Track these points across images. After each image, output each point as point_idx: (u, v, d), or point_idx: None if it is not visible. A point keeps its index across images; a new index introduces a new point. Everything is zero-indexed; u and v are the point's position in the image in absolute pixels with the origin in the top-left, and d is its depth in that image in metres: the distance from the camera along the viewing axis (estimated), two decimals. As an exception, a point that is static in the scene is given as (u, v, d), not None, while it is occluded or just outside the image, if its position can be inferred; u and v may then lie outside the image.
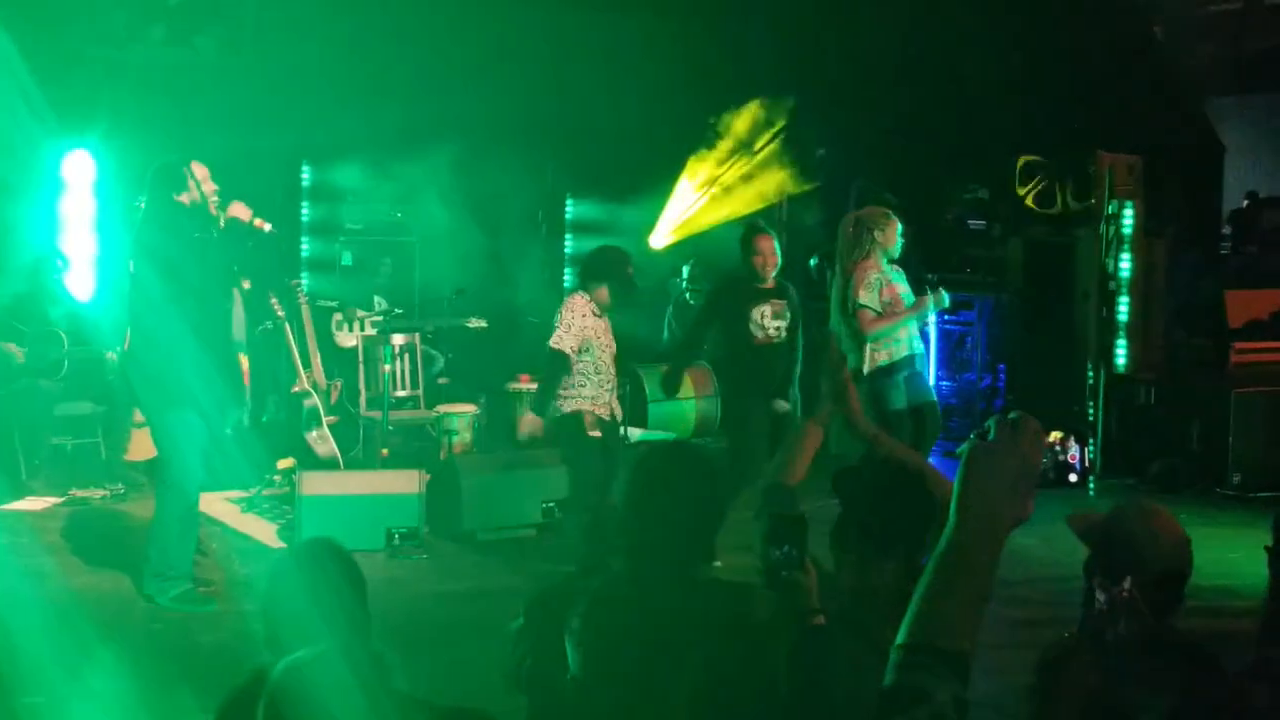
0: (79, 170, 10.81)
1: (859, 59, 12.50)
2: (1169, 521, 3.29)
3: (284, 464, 9.15)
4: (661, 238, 12.69)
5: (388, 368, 9.52)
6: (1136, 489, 10.23)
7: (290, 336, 9.55)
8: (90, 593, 7.07)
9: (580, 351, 7.31)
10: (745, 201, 11.92)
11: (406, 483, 8.19)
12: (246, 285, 9.87)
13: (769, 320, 7.85)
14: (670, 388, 8.86)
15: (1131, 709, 3.03)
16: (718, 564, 7.44)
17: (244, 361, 8.88)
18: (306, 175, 12.63)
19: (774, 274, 7.94)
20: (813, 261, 12.03)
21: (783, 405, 7.91)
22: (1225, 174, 14.53)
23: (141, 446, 9.46)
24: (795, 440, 3.50)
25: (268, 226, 7.01)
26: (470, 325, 10.68)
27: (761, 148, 11.83)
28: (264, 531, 8.44)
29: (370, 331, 10.49)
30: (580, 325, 7.30)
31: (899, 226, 8.15)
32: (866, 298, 7.94)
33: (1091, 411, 10.81)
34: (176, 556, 6.85)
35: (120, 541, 7.92)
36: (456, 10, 12.20)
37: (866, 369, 7.95)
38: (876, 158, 12.56)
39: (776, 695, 2.90)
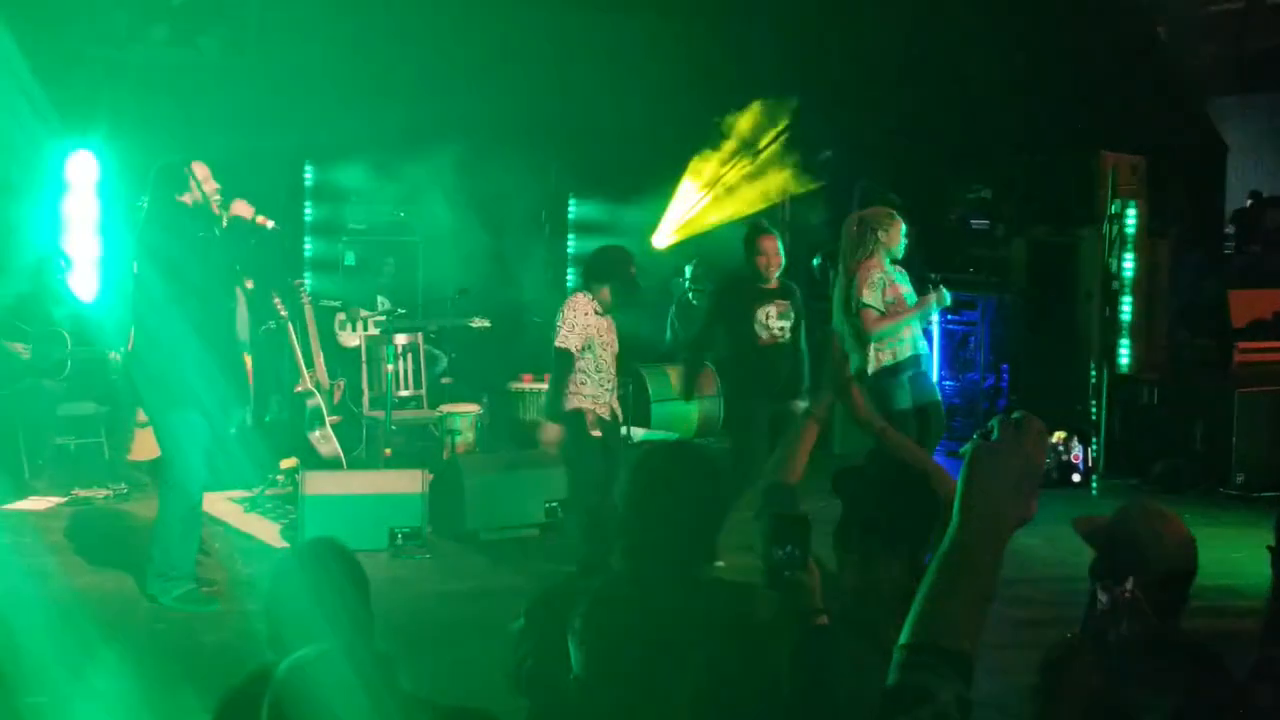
0: (82, 170, 10.81)
1: (862, 59, 12.50)
2: (1173, 522, 3.29)
3: (287, 464, 9.15)
4: (664, 238, 12.69)
5: (391, 367, 9.52)
6: (1140, 489, 10.22)
7: (293, 336, 9.55)
8: (93, 592, 7.08)
9: (582, 350, 7.31)
10: (748, 201, 11.92)
11: (409, 482, 8.19)
12: (250, 285, 9.90)
13: (774, 320, 7.84)
14: (688, 390, 8.86)
15: (1135, 709, 3.02)
16: (721, 564, 7.47)
17: (248, 361, 8.89)
18: (310, 175, 12.63)
19: (777, 274, 7.93)
20: (815, 261, 12.03)
21: (799, 406, 7.91)
22: (1228, 174, 14.52)
23: (144, 446, 9.46)
24: (793, 437, 3.49)
25: (270, 223, 7.01)
26: (473, 325, 10.68)
27: (764, 148, 11.83)
28: (267, 531, 8.44)
29: (373, 331, 10.49)
30: (583, 324, 7.31)
31: (903, 227, 8.13)
32: (870, 297, 7.93)
33: (1095, 411, 10.80)
34: (179, 556, 6.86)
35: (123, 541, 7.92)
36: (460, 10, 12.20)
37: (871, 369, 7.94)
38: (880, 158, 12.56)
39: (779, 695, 2.89)
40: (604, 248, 7.99)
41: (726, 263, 10.35)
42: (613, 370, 7.47)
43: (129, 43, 11.36)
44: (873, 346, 7.97)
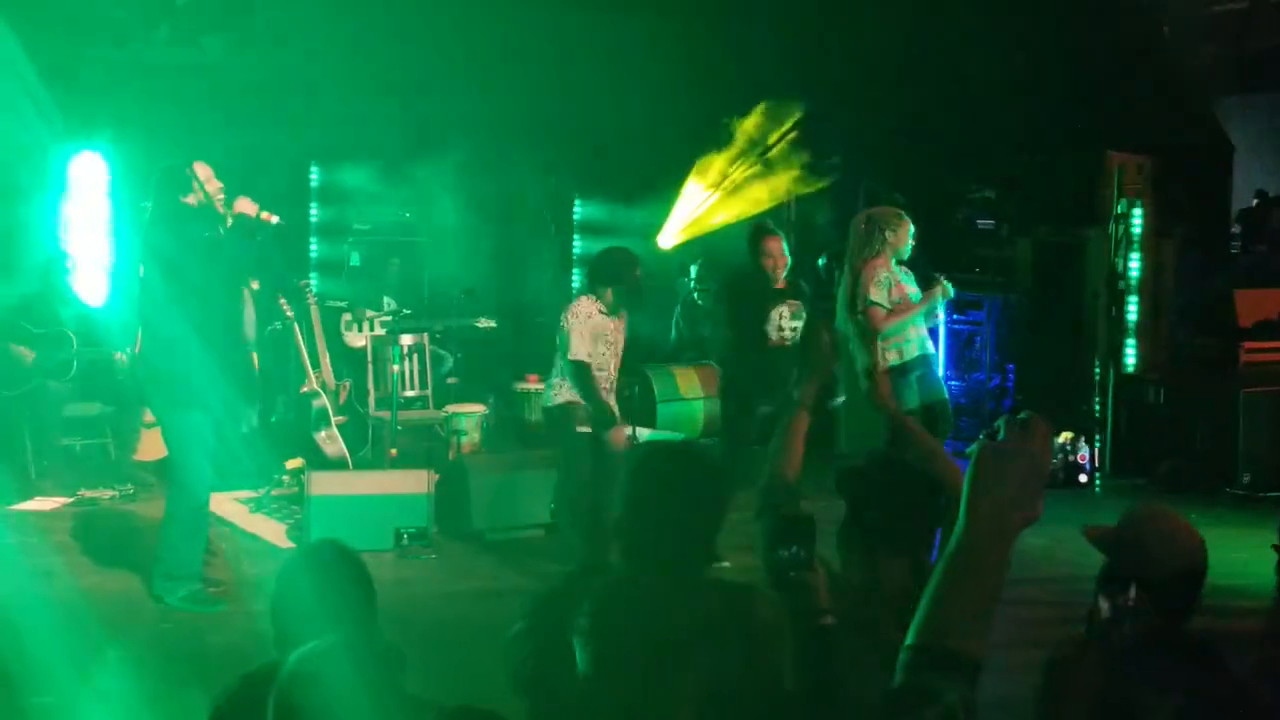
0: (87, 171, 10.82)
1: (866, 59, 12.49)
2: (1180, 523, 3.29)
3: (293, 464, 9.16)
4: (669, 238, 12.69)
5: (396, 368, 9.52)
6: (1145, 489, 10.21)
7: (299, 337, 9.56)
8: (99, 593, 7.09)
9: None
10: (753, 201, 11.90)
11: (415, 483, 8.19)
12: (255, 286, 9.91)
13: (786, 321, 7.84)
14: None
15: (1138, 709, 3.02)
16: (726, 564, 7.47)
17: (255, 360, 8.90)
18: (315, 176, 12.64)
19: (785, 274, 7.93)
20: (821, 261, 12.02)
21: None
22: (1234, 173, 14.52)
23: (150, 447, 9.48)
24: (785, 430, 3.48)
25: (275, 219, 7.00)
26: (479, 325, 10.69)
27: (769, 148, 11.82)
28: (273, 532, 8.45)
29: (379, 332, 10.50)
30: (589, 327, 7.30)
31: (911, 228, 8.12)
32: (876, 295, 7.91)
33: (1098, 409, 10.78)
34: (186, 556, 6.86)
35: (129, 542, 7.93)
36: (464, 11, 12.21)
37: (878, 369, 7.93)
38: (884, 158, 12.55)
39: (783, 696, 2.89)
40: (608, 249, 7.99)
41: (731, 263, 10.35)
42: (612, 370, 7.46)
43: (133, 43, 11.38)
44: (879, 346, 7.96)
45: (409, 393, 10.51)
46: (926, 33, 12.23)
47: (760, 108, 11.69)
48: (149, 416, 8.89)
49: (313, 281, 11.36)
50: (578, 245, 13.99)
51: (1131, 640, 3.17)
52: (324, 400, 9.40)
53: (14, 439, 9.48)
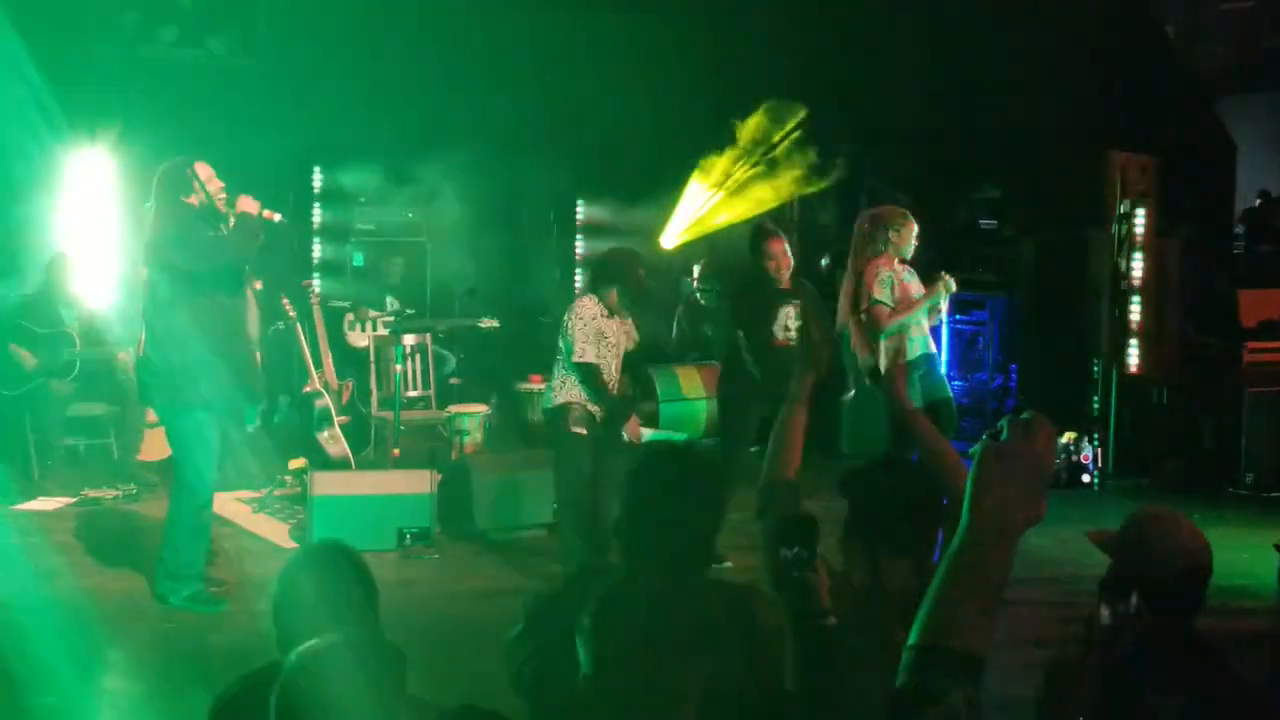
0: (91, 171, 10.82)
1: (869, 59, 12.49)
2: (1183, 522, 3.29)
3: (295, 464, 9.16)
4: (672, 238, 12.69)
5: (399, 368, 9.52)
6: (1148, 489, 10.21)
7: (302, 337, 9.56)
8: (102, 593, 7.09)
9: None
10: (756, 201, 11.90)
11: (418, 483, 8.19)
12: (258, 286, 9.91)
13: (792, 322, 7.83)
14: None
15: (1143, 710, 3.02)
16: (727, 564, 7.47)
17: (259, 359, 8.90)
18: (318, 178, 12.64)
19: (789, 274, 7.92)
20: (825, 261, 12.02)
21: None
22: (1237, 173, 14.51)
23: (154, 446, 9.48)
24: (784, 429, 3.47)
25: (277, 217, 7.01)
26: (482, 325, 10.69)
27: (771, 148, 11.82)
28: (276, 532, 8.45)
29: (382, 332, 10.50)
30: (593, 328, 7.28)
31: (915, 229, 8.11)
32: (880, 294, 7.90)
33: (1097, 407, 10.77)
34: (189, 556, 6.87)
35: (132, 542, 7.94)
36: (466, 12, 12.22)
37: (884, 367, 7.93)
38: (887, 158, 12.56)
39: (783, 697, 2.89)
40: (612, 250, 7.98)
41: (734, 263, 10.34)
42: (615, 370, 7.46)
43: (138, 43, 11.39)
44: (883, 344, 7.95)
45: (411, 393, 10.51)
46: (930, 32, 12.22)
47: (763, 108, 11.70)
48: (152, 416, 8.88)
49: (316, 281, 11.36)
50: (581, 245, 13.99)
51: (1134, 642, 3.17)
52: (327, 400, 9.40)
53: (17, 439, 9.49)
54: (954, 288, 8.10)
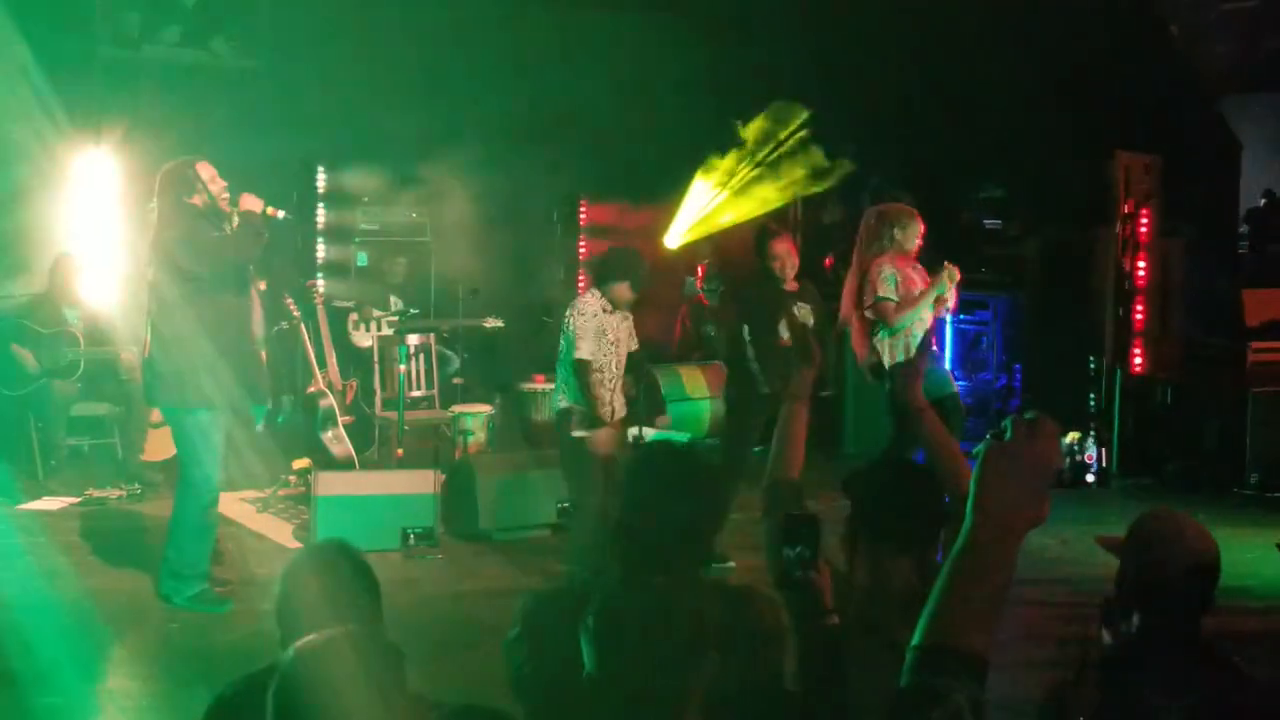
0: (95, 171, 10.83)
1: (874, 59, 12.49)
2: (1190, 522, 3.29)
3: (299, 464, 9.17)
4: (675, 238, 12.69)
5: (403, 368, 9.52)
6: (1153, 489, 10.21)
7: (306, 337, 9.56)
8: (106, 592, 7.09)
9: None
10: (760, 202, 11.89)
11: (422, 483, 8.19)
12: (262, 286, 9.91)
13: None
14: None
15: (1148, 711, 3.01)
16: (731, 564, 7.46)
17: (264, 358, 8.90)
18: (322, 178, 12.64)
19: (794, 274, 7.91)
20: (828, 261, 12.01)
21: (825, 393, 7.93)
22: (1241, 173, 14.49)
23: (158, 446, 9.49)
24: (786, 427, 3.46)
25: (281, 214, 7.01)
26: (486, 325, 10.69)
27: (775, 148, 11.81)
28: (280, 532, 8.46)
29: (386, 332, 10.50)
30: (593, 326, 7.29)
31: (921, 227, 8.11)
32: (885, 290, 7.91)
33: (1094, 406, 10.75)
34: (194, 556, 6.87)
35: (136, 542, 7.95)
36: (469, 12, 12.22)
37: (887, 364, 7.92)
38: (892, 158, 12.55)
39: (784, 697, 2.89)
40: (614, 248, 7.99)
41: (737, 263, 10.34)
42: (617, 368, 7.46)
43: (142, 44, 11.40)
44: (887, 342, 7.95)
45: (415, 393, 10.52)
46: (935, 32, 12.22)
47: (767, 108, 11.68)
48: (156, 416, 8.89)
49: (320, 281, 11.36)
50: (584, 245, 13.98)
51: (1140, 643, 3.17)
52: (331, 400, 9.40)
53: (21, 439, 9.51)
54: (958, 277, 8.08)
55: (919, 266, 8.13)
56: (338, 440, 9.32)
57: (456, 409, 10.20)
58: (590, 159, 13.12)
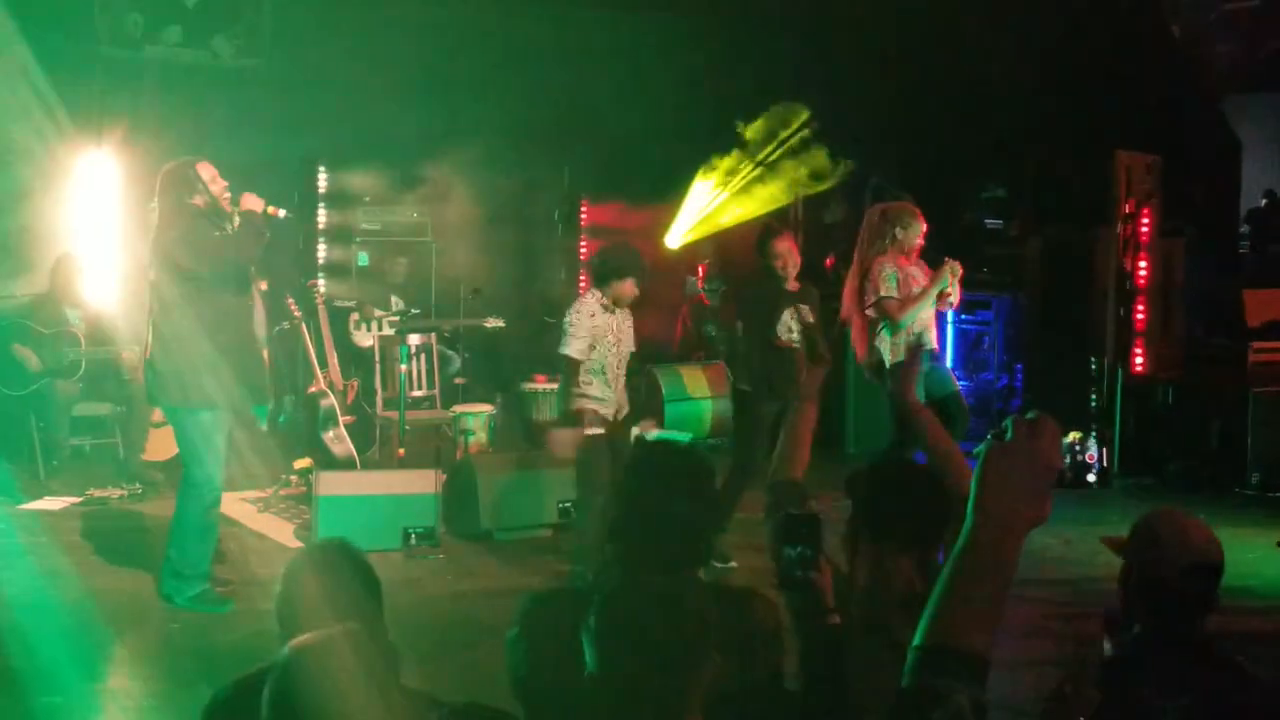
0: (96, 172, 10.83)
1: (875, 60, 12.49)
2: (1194, 521, 3.29)
3: (301, 464, 9.16)
4: (676, 238, 12.70)
5: (404, 368, 9.53)
6: (1154, 489, 10.21)
7: (307, 337, 9.57)
8: (107, 592, 7.08)
9: (589, 350, 7.31)
10: (761, 201, 11.91)
11: (423, 483, 8.19)
12: (264, 286, 9.92)
13: (795, 323, 7.82)
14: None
15: (1148, 711, 3.01)
16: (733, 564, 7.47)
17: (266, 358, 8.90)
18: (323, 178, 12.65)
19: (795, 273, 7.91)
20: (829, 261, 12.01)
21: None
22: (1242, 173, 14.49)
23: (159, 446, 9.50)
24: (792, 427, 3.48)
25: (282, 213, 7.01)
26: (487, 325, 10.70)
27: (777, 148, 11.82)
28: (281, 531, 8.46)
29: (387, 331, 10.51)
30: (588, 325, 7.29)
31: (924, 227, 8.11)
32: (886, 289, 7.92)
33: (1095, 403, 10.76)
34: (196, 556, 6.87)
35: (138, 541, 7.95)
36: (471, 12, 12.23)
37: (889, 363, 7.93)
38: (893, 158, 12.55)
39: (788, 697, 2.89)
40: (609, 246, 7.99)
41: (739, 263, 10.33)
42: (620, 370, 7.46)
43: (143, 45, 11.40)
44: (891, 340, 7.95)
45: (417, 393, 10.52)
46: (935, 32, 12.22)
47: (768, 108, 11.70)
48: (158, 416, 8.90)
49: (321, 281, 11.36)
50: (585, 245, 13.99)
51: (1141, 643, 3.17)
52: (332, 400, 9.41)
53: (23, 439, 9.51)
54: (959, 271, 8.09)
55: (921, 263, 8.14)
56: (339, 440, 9.33)
57: (458, 409, 10.20)
58: (591, 159, 13.14)
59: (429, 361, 10.84)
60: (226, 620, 6.70)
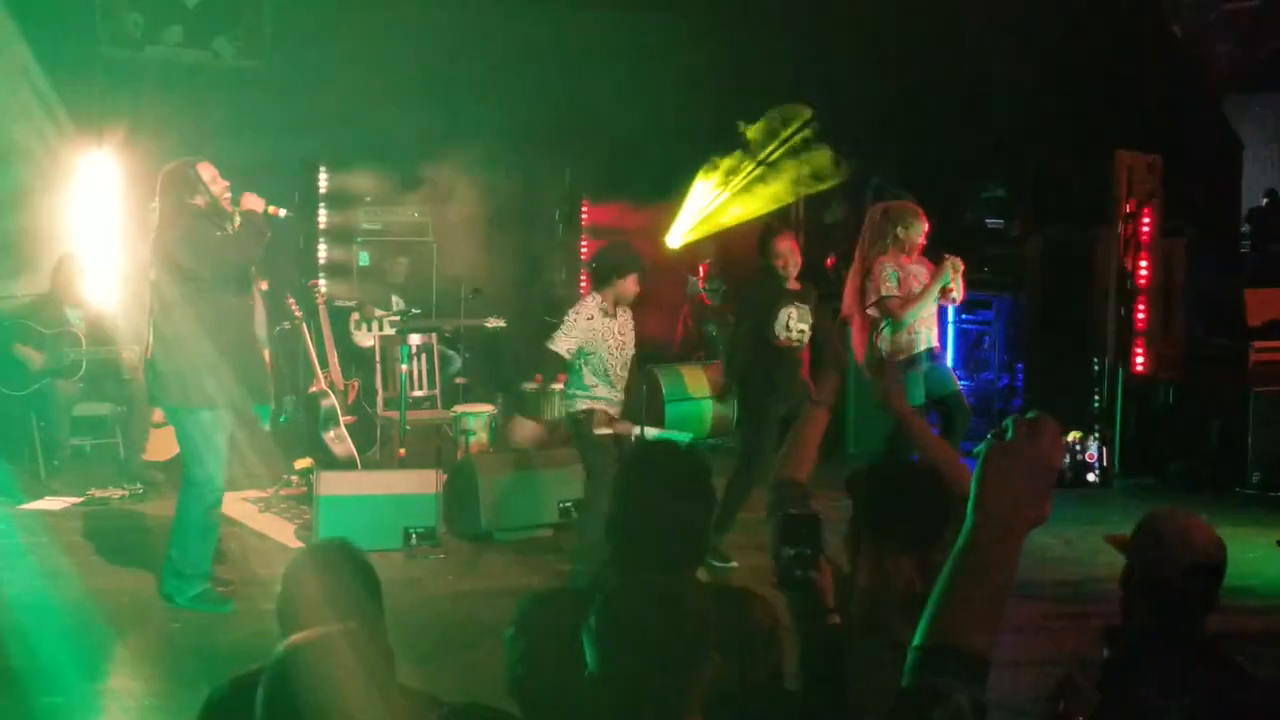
0: (97, 172, 10.83)
1: (876, 60, 12.49)
2: (1196, 521, 3.30)
3: (301, 464, 9.16)
4: (677, 238, 12.70)
5: (405, 368, 9.53)
6: (1155, 488, 10.21)
7: (308, 337, 9.57)
8: (108, 592, 7.09)
9: (588, 353, 7.30)
10: (761, 201, 11.91)
11: (423, 483, 8.19)
12: (264, 286, 9.92)
13: (795, 323, 7.82)
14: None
15: (1148, 711, 3.01)
16: (734, 565, 7.47)
17: (268, 357, 8.90)
18: (324, 179, 12.65)
19: (797, 274, 7.91)
20: (830, 260, 12.01)
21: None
22: (1243, 172, 14.50)
23: (160, 446, 9.50)
24: (800, 430, 3.47)
25: (282, 212, 7.02)
26: (488, 325, 10.69)
27: (778, 148, 11.82)
28: (282, 531, 8.46)
29: (388, 331, 10.51)
30: (584, 327, 7.28)
31: (925, 226, 8.11)
32: (888, 288, 7.93)
33: (1097, 404, 10.75)
34: (197, 556, 6.87)
35: (139, 541, 7.95)
36: (471, 14, 12.22)
37: (886, 360, 7.93)
38: (894, 157, 12.55)
39: (788, 697, 2.89)
40: (606, 245, 7.99)
41: (740, 263, 10.33)
42: (620, 369, 7.46)
43: (144, 45, 11.40)
44: (890, 339, 7.96)
45: (417, 393, 10.53)
46: (936, 32, 12.22)
47: (770, 108, 11.69)
48: (158, 416, 8.91)
49: (322, 281, 11.36)
50: (586, 245, 13.99)
51: (1142, 642, 3.17)
52: (332, 400, 9.41)
53: (23, 439, 9.51)
54: (961, 267, 8.09)
55: (924, 260, 8.14)
56: (340, 440, 9.33)
57: (458, 409, 10.20)
58: (592, 159, 13.13)
59: (430, 361, 10.84)
60: (227, 620, 6.71)
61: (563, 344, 7.27)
